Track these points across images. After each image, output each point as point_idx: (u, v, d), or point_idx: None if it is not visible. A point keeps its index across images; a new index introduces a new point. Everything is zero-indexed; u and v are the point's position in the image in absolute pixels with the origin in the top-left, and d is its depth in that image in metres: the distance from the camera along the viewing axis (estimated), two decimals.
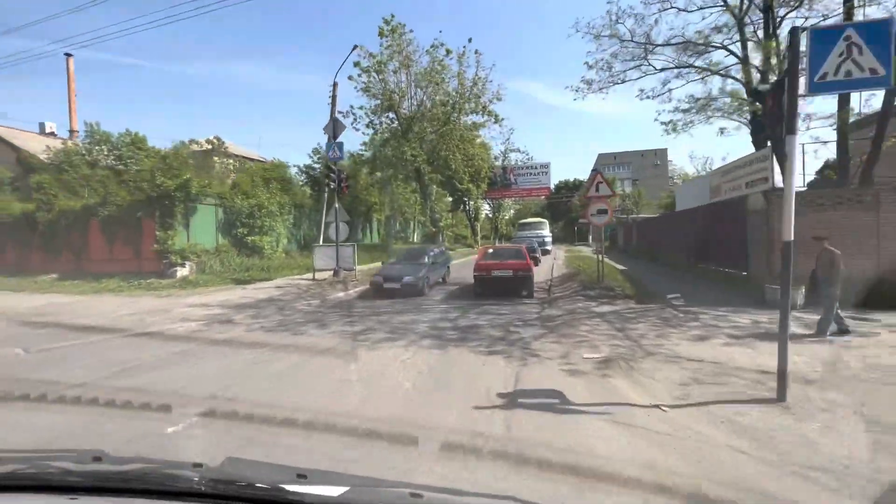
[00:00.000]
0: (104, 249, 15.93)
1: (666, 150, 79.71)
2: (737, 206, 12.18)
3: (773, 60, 11.24)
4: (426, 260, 13.60)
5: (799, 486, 2.91)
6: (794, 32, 4.45)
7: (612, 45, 14.07)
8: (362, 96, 25.65)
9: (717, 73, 13.00)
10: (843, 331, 6.72)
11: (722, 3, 12.87)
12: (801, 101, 4.82)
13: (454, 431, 3.84)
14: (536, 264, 18.34)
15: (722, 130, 13.19)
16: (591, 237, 51.81)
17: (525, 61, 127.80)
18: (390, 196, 35.27)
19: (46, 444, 3.63)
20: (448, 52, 25.99)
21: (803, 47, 4.23)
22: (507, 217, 75.17)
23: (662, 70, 13.63)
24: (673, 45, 13.38)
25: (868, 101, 12.40)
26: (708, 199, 15.11)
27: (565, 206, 79.68)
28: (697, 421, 3.95)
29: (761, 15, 12.17)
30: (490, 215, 58.21)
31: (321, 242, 17.84)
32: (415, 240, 42.25)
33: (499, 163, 42.07)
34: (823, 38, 4.16)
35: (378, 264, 19.17)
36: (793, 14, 12.14)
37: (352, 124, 25.77)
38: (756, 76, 12.23)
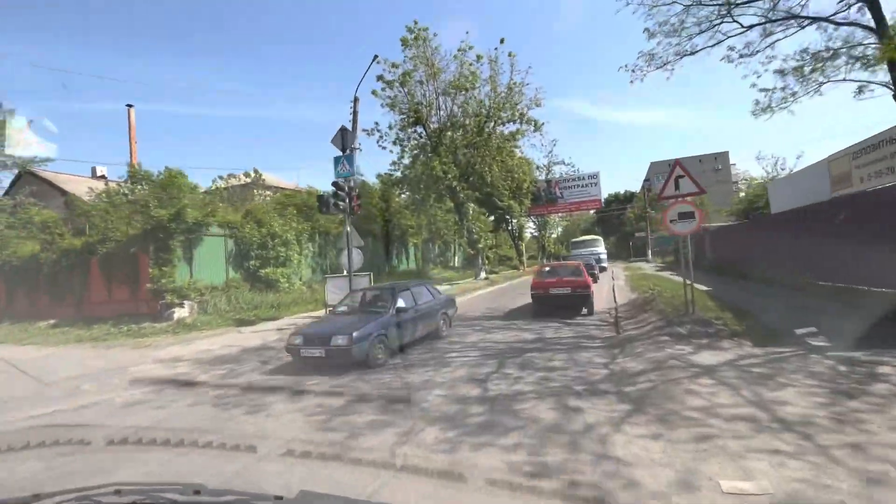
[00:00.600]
0: (103, 291, 14.48)
1: (727, 153, 73.26)
2: (883, 198, 8.59)
3: None
4: (390, 307, 8.34)
5: None
6: None
7: (673, 14, 11.02)
8: (388, 112, 23.80)
9: (831, 21, 9.58)
10: None
11: None
12: None
13: None
14: (595, 281, 15.78)
15: (861, 89, 9.64)
16: (650, 252, 46.92)
17: (561, 77, 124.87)
18: (427, 218, 33.15)
19: None
20: (479, 57, 23.78)
21: None
22: (554, 235, 71.28)
23: (750, 28, 10.37)
24: None
25: None
26: (827, 194, 11.38)
27: (617, 220, 74.54)
28: None
29: None
30: (535, 234, 54.61)
31: (338, 273, 15.55)
32: (455, 264, 39.63)
33: (542, 176, 39.01)
34: None
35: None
36: None
37: (378, 142, 23.91)
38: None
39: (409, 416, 5.04)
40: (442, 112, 23.59)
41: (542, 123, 25.09)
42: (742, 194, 34.74)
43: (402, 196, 29.28)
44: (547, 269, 13.43)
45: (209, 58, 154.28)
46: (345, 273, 13.06)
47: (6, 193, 22.38)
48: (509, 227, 40.47)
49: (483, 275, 26.30)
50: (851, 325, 7.33)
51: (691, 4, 10.99)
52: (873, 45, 8.88)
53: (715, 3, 10.75)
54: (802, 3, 9.63)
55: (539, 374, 6.44)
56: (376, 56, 19.70)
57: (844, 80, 9.76)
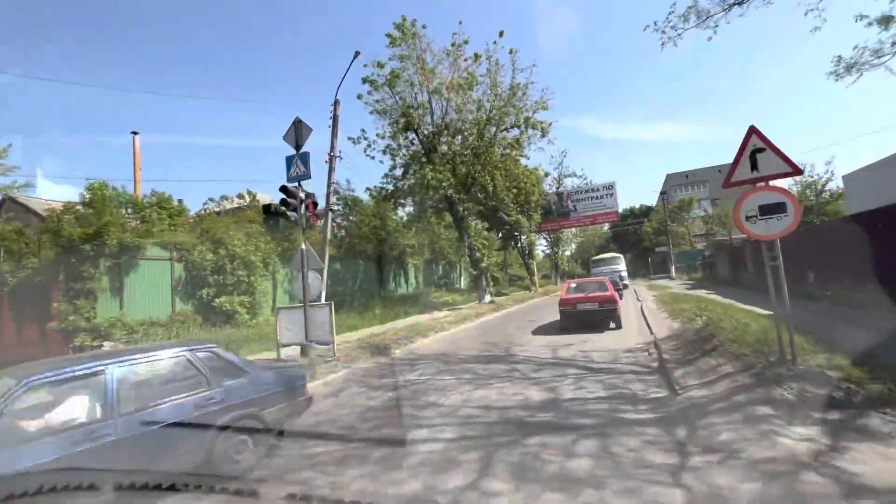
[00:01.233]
0: (13, 330, 11.82)
1: None
2: None
3: None
4: None
5: None
6: None
7: None
8: (380, 120, 21.24)
9: None
10: None
11: None
12: None
13: None
14: (620, 298, 14.61)
15: None
16: (673, 268, 43.28)
17: (571, 96, 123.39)
18: (428, 236, 30.32)
19: None
20: (476, 56, 21.29)
21: None
22: (567, 253, 67.84)
23: None
24: None
25: None
26: None
27: (634, 236, 70.85)
28: None
29: None
30: (548, 251, 51.33)
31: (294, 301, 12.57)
32: (461, 286, 36.55)
33: (552, 189, 36.13)
34: None
35: (395, 326, 13.30)
36: None
37: (365, 152, 21.33)
38: None
39: None
40: (436, 116, 20.98)
41: (550, 124, 22.25)
42: None
43: (400, 212, 26.67)
44: (574, 285, 13.65)
45: (216, 89, 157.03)
46: (299, 303, 10.17)
47: None
48: (518, 245, 37.37)
49: (488, 298, 23.18)
50: None
51: None
52: None
53: None
54: None
55: (552, 496, 3.41)
56: (358, 53, 17.18)
57: None
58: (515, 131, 22.97)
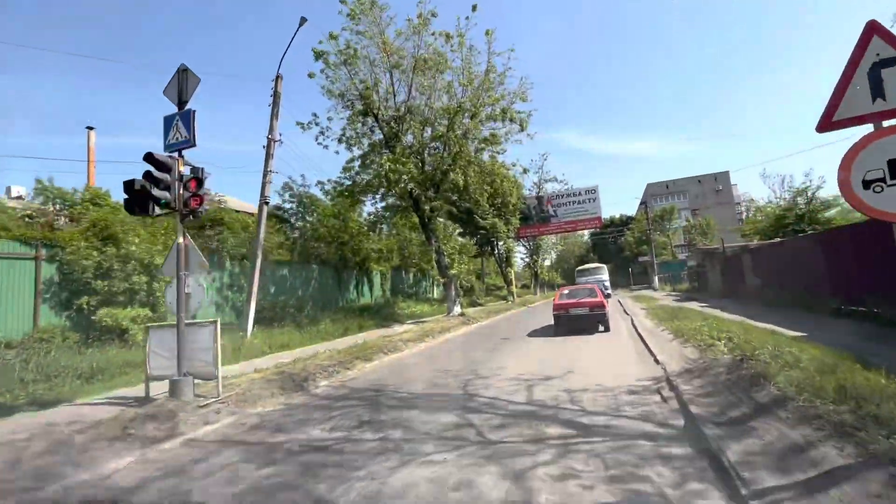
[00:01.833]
0: None
1: (727, 172, 69.14)
2: None
3: None
4: None
5: None
6: None
7: None
8: (336, 103, 18.40)
9: None
10: None
11: None
12: None
13: None
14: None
15: None
16: (655, 278, 41.44)
17: (553, 110, 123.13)
18: (395, 238, 27.52)
19: None
20: (447, 36, 18.79)
21: None
22: (547, 262, 65.83)
23: None
24: None
25: None
26: None
27: (613, 245, 69.41)
28: None
29: None
30: (527, 259, 49.00)
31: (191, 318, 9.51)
32: (434, 295, 33.77)
33: (532, 192, 33.86)
34: None
35: (336, 345, 10.10)
36: None
37: (317, 140, 18.42)
38: None
39: None
40: (399, 98, 18.26)
41: (530, 114, 19.79)
42: (769, 210, 29.60)
43: (366, 213, 23.80)
44: (566, 291, 14.99)
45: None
46: (173, 321, 7.24)
47: None
48: (495, 252, 34.85)
49: (457, 309, 20.39)
50: None
51: None
52: None
53: None
54: None
55: None
56: (304, 19, 14.51)
57: None
58: (492, 124, 20.48)
